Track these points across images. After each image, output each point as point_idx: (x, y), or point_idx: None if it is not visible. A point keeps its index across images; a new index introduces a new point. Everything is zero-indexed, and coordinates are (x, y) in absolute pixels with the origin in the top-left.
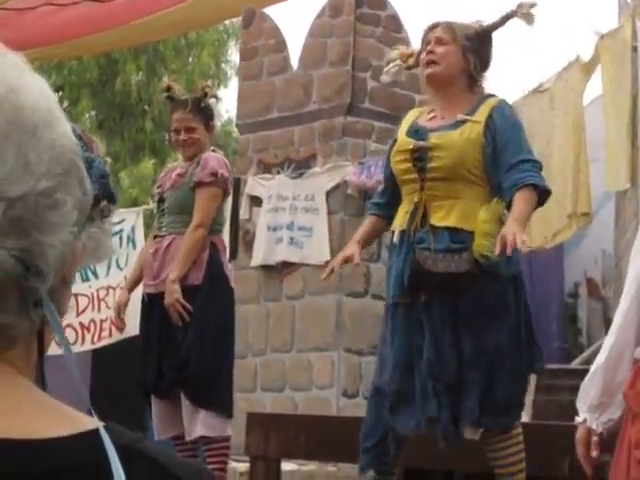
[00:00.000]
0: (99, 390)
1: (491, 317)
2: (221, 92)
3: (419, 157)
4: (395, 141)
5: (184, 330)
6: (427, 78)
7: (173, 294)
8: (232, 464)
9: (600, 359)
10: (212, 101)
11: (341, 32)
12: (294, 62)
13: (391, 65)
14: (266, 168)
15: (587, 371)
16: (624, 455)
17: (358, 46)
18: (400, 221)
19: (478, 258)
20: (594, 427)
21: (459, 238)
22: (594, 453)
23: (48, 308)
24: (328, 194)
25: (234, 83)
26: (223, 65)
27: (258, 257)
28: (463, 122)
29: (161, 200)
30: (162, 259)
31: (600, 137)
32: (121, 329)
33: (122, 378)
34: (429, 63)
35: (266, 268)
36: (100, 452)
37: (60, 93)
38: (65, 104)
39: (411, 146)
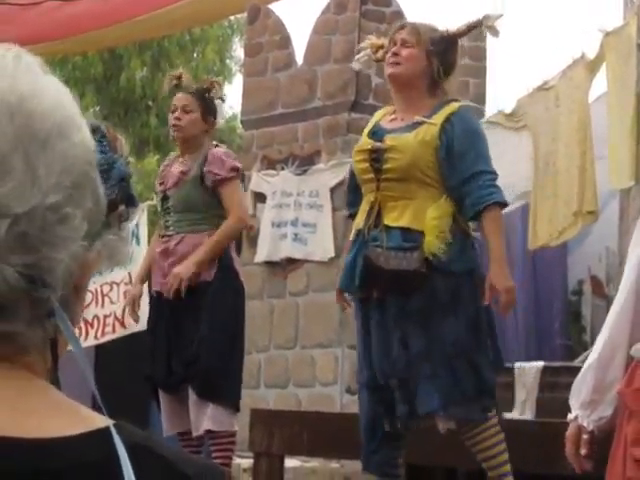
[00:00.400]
0: (102, 386)
1: (446, 313)
2: (226, 88)
3: (376, 158)
4: None
5: (195, 326)
6: (389, 78)
7: (186, 270)
8: (236, 460)
9: (593, 356)
10: (217, 101)
11: (346, 29)
12: (299, 58)
13: (362, 54)
14: (270, 164)
15: None
16: (620, 453)
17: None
18: (358, 220)
19: (429, 256)
20: (585, 425)
21: (411, 237)
22: (583, 451)
23: (60, 318)
24: (332, 190)
25: (238, 79)
26: (227, 61)
27: (262, 253)
28: (420, 124)
29: (165, 198)
30: (172, 258)
31: (605, 135)
32: (135, 321)
33: (126, 374)
34: (392, 64)
35: (270, 264)
36: (110, 451)
37: None
38: None
39: (369, 146)
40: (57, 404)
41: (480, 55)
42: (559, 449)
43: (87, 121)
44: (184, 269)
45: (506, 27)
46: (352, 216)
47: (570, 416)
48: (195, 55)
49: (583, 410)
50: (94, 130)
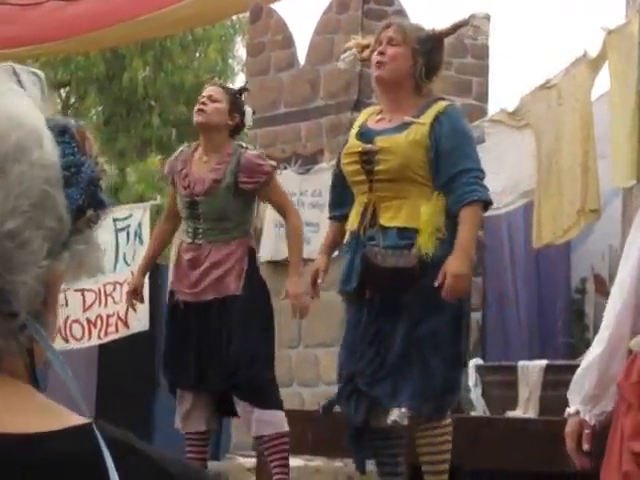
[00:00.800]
0: (106, 386)
1: (433, 308)
2: None
3: (367, 160)
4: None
5: (227, 339)
6: (375, 80)
7: (299, 288)
8: (239, 459)
9: (596, 351)
10: (248, 108)
11: (348, 28)
12: (301, 58)
13: (347, 54)
14: None
15: None
16: (617, 446)
17: None
18: (352, 221)
19: (423, 254)
20: (587, 419)
21: (407, 235)
22: (586, 446)
23: (33, 329)
24: None
25: (241, 79)
26: (230, 61)
27: (265, 253)
28: (409, 124)
29: (193, 203)
30: (202, 268)
31: (608, 133)
32: (133, 308)
33: (129, 373)
34: (378, 65)
35: (273, 264)
36: (93, 444)
37: (67, 88)
38: (72, 100)
39: (359, 149)
40: (41, 405)
41: (483, 53)
42: (562, 447)
43: (55, 122)
44: (298, 288)
45: (509, 26)
46: (336, 218)
47: (569, 411)
48: (197, 55)
49: (585, 405)
50: (62, 131)
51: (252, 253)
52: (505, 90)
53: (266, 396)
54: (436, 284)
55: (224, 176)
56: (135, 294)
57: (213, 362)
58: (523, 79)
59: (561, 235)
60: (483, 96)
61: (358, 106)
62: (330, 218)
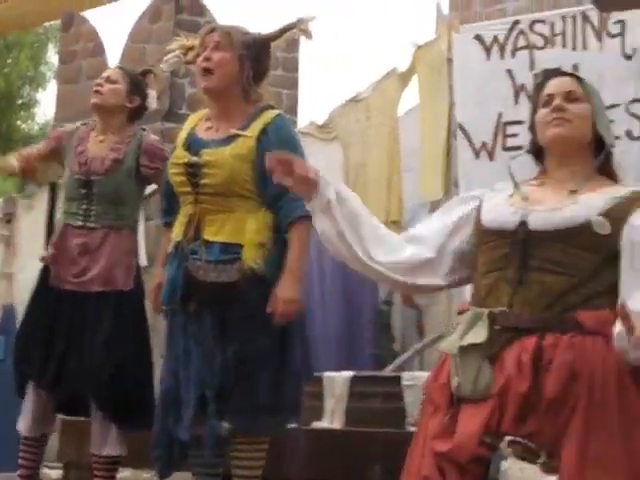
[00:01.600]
0: None
1: (256, 323)
2: (39, 95)
3: (193, 173)
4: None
5: (100, 337)
6: (203, 90)
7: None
8: (44, 470)
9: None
10: (152, 92)
11: (160, 37)
12: (113, 66)
13: (170, 55)
14: None
15: (399, 378)
16: (419, 449)
17: None
18: (177, 231)
19: (247, 269)
20: None
21: (231, 250)
22: None
23: None
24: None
25: (53, 86)
26: (42, 67)
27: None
28: (236, 137)
29: (87, 183)
30: (93, 256)
31: (413, 147)
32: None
33: None
34: (204, 72)
35: None
36: None
37: None
38: None
39: (185, 160)
40: None
41: (293, 66)
42: (367, 458)
43: None
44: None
45: (320, 39)
46: (168, 224)
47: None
48: (9, 61)
49: None
50: None
51: (137, 249)
52: (316, 103)
53: (129, 413)
54: (268, 310)
55: (125, 157)
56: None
57: (75, 361)
58: (334, 93)
59: None
60: (293, 109)
61: (169, 116)
62: (165, 225)
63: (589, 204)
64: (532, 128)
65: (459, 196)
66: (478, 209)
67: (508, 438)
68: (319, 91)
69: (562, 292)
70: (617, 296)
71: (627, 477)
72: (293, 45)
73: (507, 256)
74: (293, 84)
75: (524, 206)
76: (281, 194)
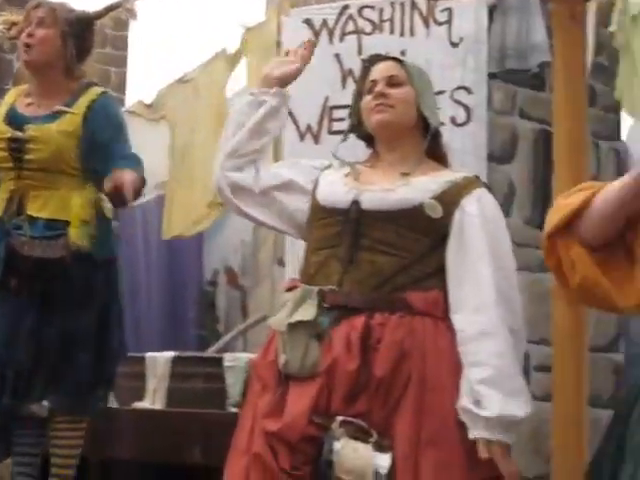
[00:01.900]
0: None
1: (78, 301)
2: None
3: (16, 148)
4: None
5: None
6: (24, 64)
7: None
8: None
9: None
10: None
11: None
12: None
13: None
14: None
15: (221, 359)
16: (247, 427)
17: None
18: None
19: (72, 245)
20: None
21: (55, 226)
22: None
23: None
24: None
25: None
26: None
27: None
28: (61, 113)
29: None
30: None
31: None
32: None
33: None
34: (26, 47)
35: None
36: None
37: None
38: None
39: (8, 135)
40: None
41: (122, 45)
42: (188, 438)
43: None
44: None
45: (149, 18)
46: None
47: None
48: None
49: None
50: None
51: None
52: (144, 82)
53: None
54: (107, 187)
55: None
56: None
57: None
58: (164, 73)
59: (192, 227)
60: (121, 87)
61: None
62: None
63: (422, 187)
64: (355, 114)
65: (307, 162)
66: (316, 182)
67: (339, 418)
68: (149, 71)
69: (392, 273)
70: (444, 279)
71: (462, 455)
72: (123, 24)
73: (339, 234)
74: (122, 62)
75: (357, 186)
76: (119, 160)
